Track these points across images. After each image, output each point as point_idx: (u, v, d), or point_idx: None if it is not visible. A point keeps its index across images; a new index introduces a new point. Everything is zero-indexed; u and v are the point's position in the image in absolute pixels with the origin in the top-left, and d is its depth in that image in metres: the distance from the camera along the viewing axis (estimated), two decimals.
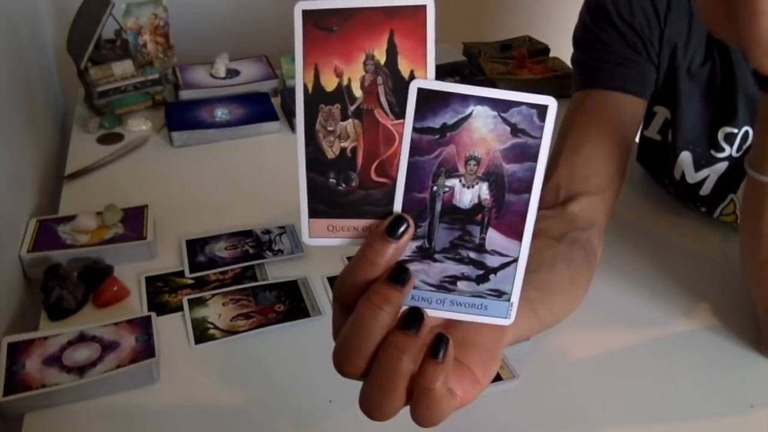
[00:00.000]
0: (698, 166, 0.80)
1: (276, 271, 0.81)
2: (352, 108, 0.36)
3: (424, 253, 0.38)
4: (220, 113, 1.14)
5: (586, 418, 0.63)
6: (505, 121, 0.35)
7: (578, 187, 0.71)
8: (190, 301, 0.75)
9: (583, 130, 0.75)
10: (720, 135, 0.77)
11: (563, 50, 1.00)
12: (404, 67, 0.35)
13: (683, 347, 0.70)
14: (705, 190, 0.82)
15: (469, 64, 1.31)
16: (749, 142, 0.77)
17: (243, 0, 1.53)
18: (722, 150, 0.78)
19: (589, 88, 0.78)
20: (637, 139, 0.85)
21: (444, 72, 1.25)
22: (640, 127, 0.85)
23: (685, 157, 0.80)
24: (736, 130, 0.76)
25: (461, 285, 0.38)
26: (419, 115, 0.35)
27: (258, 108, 1.17)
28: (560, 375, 0.67)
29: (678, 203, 0.92)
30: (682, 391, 0.65)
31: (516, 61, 1.29)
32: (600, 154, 0.74)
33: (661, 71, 0.78)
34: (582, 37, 0.81)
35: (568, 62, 0.85)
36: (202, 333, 0.71)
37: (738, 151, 0.78)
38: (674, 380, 0.67)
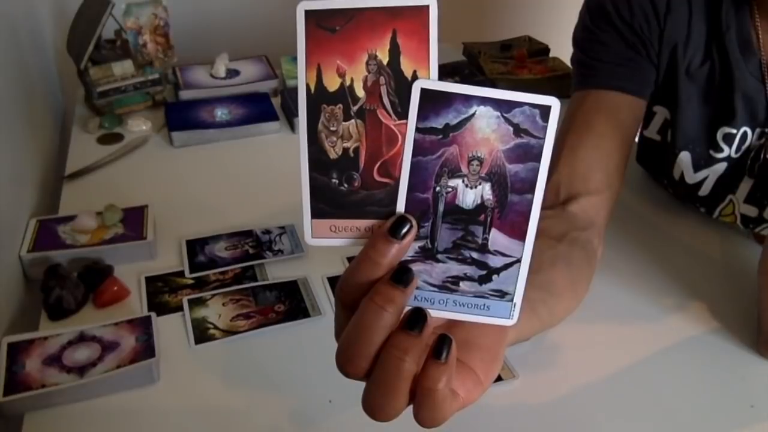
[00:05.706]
0: (697, 167, 0.81)
1: (276, 271, 0.81)
2: (354, 108, 0.36)
3: (427, 254, 0.38)
4: (220, 113, 1.14)
5: (586, 418, 0.63)
6: (508, 121, 0.35)
7: (578, 187, 0.71)
8: (190, 301, 0.75)
9: (583, 130, 0.75)
10: (719, 135, 0.77)
11: (563, 50, 1.00)
12: (407, 68, 0.35)
13: (683, 347, 0.70)
14: (704, 190, 0.82)
15: (469, 64, 1.31)
16: (747, 143, 0.77)
17: (243, 0, 1.53)
18: (721, 150, 0.78)
19: (588, 88, 0.78)
20: (636, 139, 0.85)
21: (444, 72, 1.24)
22: (640, 127, 0.85)
23: (684, 158, 0.80)
24: (734, 131, 0.76)
25: (464, 285, 0.38)
26: (422, 115, 0.35)
27: (258, 108, 1.17)
28: (560, 375, 0.67)
29: (677, 203, 0.92)
30: (682, 391, 0.65)
31: (516, 61, 1.29)
32: (600, 154, 0.74)
33: (661, 71, 0.78)
34: (581, 37, 0.81)
35: (568, 62, 0.85)
36: (202, 333, 0.71)
37: (737, 151, 0.78)
38: (674, 380, 0.67)
